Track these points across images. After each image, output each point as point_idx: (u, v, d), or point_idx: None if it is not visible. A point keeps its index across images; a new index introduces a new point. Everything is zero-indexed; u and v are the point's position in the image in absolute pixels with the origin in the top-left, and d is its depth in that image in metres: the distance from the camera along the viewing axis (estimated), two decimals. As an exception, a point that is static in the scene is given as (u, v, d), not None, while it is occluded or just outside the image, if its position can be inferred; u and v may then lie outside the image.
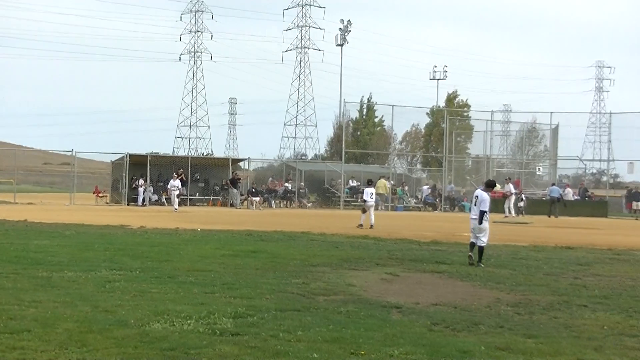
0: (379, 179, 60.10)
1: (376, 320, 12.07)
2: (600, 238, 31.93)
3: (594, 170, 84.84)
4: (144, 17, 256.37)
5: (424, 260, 21.12)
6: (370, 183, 38.20)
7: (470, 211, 21.49)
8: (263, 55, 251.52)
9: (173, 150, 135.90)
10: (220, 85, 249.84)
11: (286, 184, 59.53)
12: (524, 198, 54.54)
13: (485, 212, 20.80)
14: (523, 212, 52.56)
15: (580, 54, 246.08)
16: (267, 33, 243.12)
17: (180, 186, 48.72)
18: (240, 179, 57.52)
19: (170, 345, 9.84)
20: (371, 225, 33.60)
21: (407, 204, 60.75)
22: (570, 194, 60.88)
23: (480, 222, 20.60)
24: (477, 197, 20.86)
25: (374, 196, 36.32)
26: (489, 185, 21.70)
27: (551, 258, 22.99)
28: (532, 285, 17.06)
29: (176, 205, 46.86)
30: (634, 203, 61.97)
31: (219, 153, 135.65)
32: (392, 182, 60.56)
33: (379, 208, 56.85)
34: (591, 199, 62.82)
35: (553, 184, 58.61)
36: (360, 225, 33.73)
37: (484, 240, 20.66)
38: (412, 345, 10.29)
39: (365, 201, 35.61)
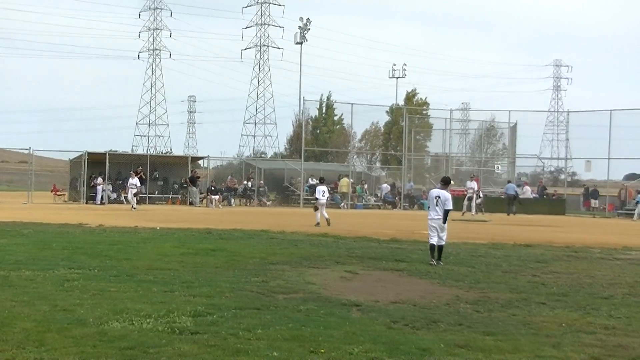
0: (341, 177, 60.28)
1: (336, 318, 12.09)
2: (558, 236, 32.17)
3: (552, 169, 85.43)
4: (102, 15, 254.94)
5: (384, 258, 21.17)
6: (322, 181, 38.26)
7: (429, 211, 21.27)
8: (222, 53, 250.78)
9: (132, 148, 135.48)
10: (179, 83, 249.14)
11: (244, 182, 59.42)
12: (481, 196, 54.83)
13: (450, 210, 20.87)
14: (483, 210, 52.88)
15: (539, 53, 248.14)
16: (227, 31, 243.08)
17: (138, 184, 48.48)
18: (199, 177, 57.34)
19: (129, 344, 9.81)
20: (327, 221, 33.70)
21: (366, 202, 60.82)
22: (528, 192, 61.25)
23: (445, 221, 20.64)
24: (439, 196, 20.70)
25: (326, 194, 36.39)
26: (446, 182, 21.74)
27: (510, 256, 23.13)
28: (491, 282, 17.16)
29: (134, 204, 46.68)
30: (592, 201, 62.46)
31: (178, 151, 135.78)
32: (351, 180, 60.59)
33: (342, 206, 57.09)
34: (552, 198, 63.20)
35: (509, 182, 58.94)
36: (318, 224, 33.76)
37: (444, 239, 20.72)
38: (371, 343, 10.32)
39: (317, 199, 35.69)
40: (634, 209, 54.99)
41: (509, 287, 16.49)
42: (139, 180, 49.80)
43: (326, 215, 34.50)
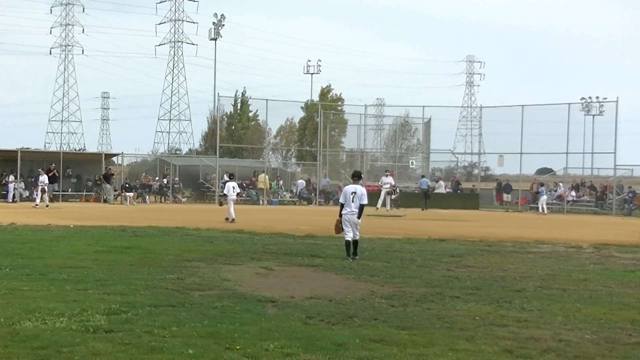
0: (257, 173, 60.19)
1: (251, 315, 12.09)
2: (472, 230, 32.56)
3: (466, 163, 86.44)
4: (13, 10, 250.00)
5: (299, 254, 21.22)
6: (232, 177, 38.27)
7: (344, 206, 21.16)
8: (136, 49, 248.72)
9: (45, 145, 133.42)
10: (92, 80, 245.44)
11: (162, 179, 59.06)
12: (397, 191, 55.25)
13: (366, 205, 20.92)
14: (397, 205, 53.29)
15: (452, 48, 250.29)
16: (140, 27, 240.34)
17: (47, 182, 47.76)
18: (113, 174, 56.73)
19: (41, 344, 9.68)
20: (231, 219, 33.74)
21: (282, 198, 60.83)
22: (442, 187, 61.88)
23: (359, 216, 20.67)
24: (355, 192, 20.67)
25: (236, 190, 36.40)
26: (358, 177, 21.73)
27: (424, 250, 23.35)
28: (405, 277, 17.30)
29: (46, 202, 46.05)
30: (505, 195, 63.29)
31: (91, 148, 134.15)
32: (267, 176, 60.55)
33: (261, 202, 57.09)
34: (472, 192, 63.88)
35: (423, 176, 59.43)
36: (233, 220, 33.71)
37: (358, 233, 20.77)
38: (287, 339, 10.33)
39: (225, 195, 35.69)
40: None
41: (423, 282, 16.65)
42: (53, 177, 49.09)
43: (232, 212, 34.51)
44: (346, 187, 21.93)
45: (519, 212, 56.45)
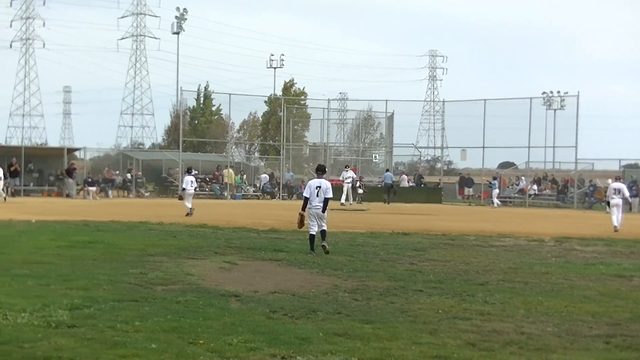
0: (220, 168, 60.06)
1: (215, 309, 12.08)
2: (435, 224, 32.69)
3: (429, 158, 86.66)
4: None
5: (263, 249, 21.21)
6: (189, 171, 38.22)
7: (309, 201, 21.11)
8: (98, 43, 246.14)
9: (5, 140, 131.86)
10: (54, 74, 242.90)
11: (126, 174, 58.84)
12: (361, 185, 55.46)
13: (330, 199, 20.94)
14: (361, 200, 53.51)
15: (415, 43, 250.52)
16: (102, 20, 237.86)
17: (1, 176, 47.28)
18: (76, 169, 56.32)
19: (3, 340, 9.63)
20: (188, 211, 33.80)
21: (245, 192, 60.72)
22: (405, 181, 62.08)
23: (324, 210, 20.66)
24: (320, 186, 20.65)
25: (194, 184, 36.37)
26: (322, 171, 21.71)
27: (388, 244, 23.42)
28: (369, 271, 17.36)
29: (3, 195, 45.59)
30: (466, 189, 63.58)
31: (53, 142, 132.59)
32: (230, 170, 60.41)
33: (224, 197, 57.01)
34: (437, 186, 64.18)
35: (387, 170, 59.59)
36: (190, 214, 33.74)
37: (325, 225, 20.76)
38: (250, 333, 10.34)
39: (184, 189, 35.65)
40: (505, 196, 56.56)
41: (387, 276, 16.71)
42: (14, 172, 48.68)
43: (189, 206, 34.50)
44: (311, 181, 21.92)
45: (481, 206, 56.69)
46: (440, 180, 66.15)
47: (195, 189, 37.59)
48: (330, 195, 20.76)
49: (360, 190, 54.67)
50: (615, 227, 30.51)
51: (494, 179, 57.47)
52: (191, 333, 10.27)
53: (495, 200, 54.73)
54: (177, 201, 38.27)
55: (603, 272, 18.21)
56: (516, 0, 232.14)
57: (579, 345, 10.45)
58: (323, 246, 20.25)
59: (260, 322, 11.22)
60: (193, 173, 38.25)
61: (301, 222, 20.87)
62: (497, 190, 55.68)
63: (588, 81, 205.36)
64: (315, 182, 21.04)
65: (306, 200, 20.84)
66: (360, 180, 56.98)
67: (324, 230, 20.62)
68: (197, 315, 11.52)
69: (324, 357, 9.38)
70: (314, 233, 20.58)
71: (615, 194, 31.54)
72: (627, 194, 33.20)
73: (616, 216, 31.15)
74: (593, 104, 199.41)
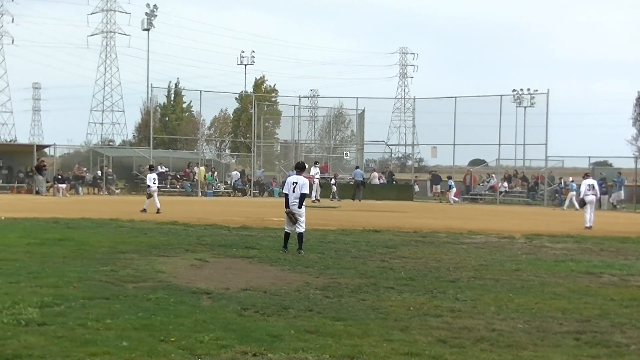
0: (191, 165, 59.95)
1: (186, 307, 12.05)
2: (406, 221, 32.73)
3: (400, 155, 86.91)
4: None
5: (234, 246, 21.18)
6: (151, 168, 38.23)
7: (285, 197, 21.04)
8: (68, 39, 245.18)
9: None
10: (23, 70, 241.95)
11: (85, 169, 58.71)
12: (335, 182, 55.61)
13: (306, 195, 20.92)
14: (337, 197, 53.77)
15: (386, 40, 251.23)
16: (72, 17, 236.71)
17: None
18: (46, 166, 56.08)
19: (-28, 338, 9.56)
20: (154, 209, 33.97)
21: (216, 189, 60.64)
22: (376, 178, 62.17)
23: (300, 206, 20.59)
24: (297, 182, 20.51)
25: (156, 181, 36.39)
26: (301, 168, 21.66)
27: (359, 241, 23.43)
28: (340, 268, 17.36)
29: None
30: (434, 186, 63.78)
31: (23, 139, 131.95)
32: (202, 167, 60.34)
33: (195, 194, 56.96)
34: (406, 183, 64.37)
35: (357, 167, 59.63)
36: (144, 210, 33.90)
37: (302, 226, 20.69)
38: (222, 331, 10.32)
39: (148, 186, 35.71)
40: (482, 193, 56.84)
41: (358, 273, 16.72)
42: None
43: (158, 204, 34.85)
44: (288, 177, 21.99)
45: (449, 204, 56.86)
46: (417, 177, 66.32)
47: (158, 187, 37.64)
48: (306, 191, 20.72)
49: (334, 188, 54.90)
50: (588, 226, 30.58)
51: (449, 177, 57.98)
52: (162, 331, 10.23)
53: (453, 198, 54.96)
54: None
55: (573, 269, 18.29)
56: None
57: (549, 342, 10.50)
58: (299, 251, 20.18)
59: (231, 320, 11.20)
60: (158, 170, 38.25)
61: (293, 219, 20.66)
62: (454, 189, 56.06)
63: (558, 79, 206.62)
64: (292, 178, 21.04)
65: (286, 197, 20.76)
66: (335, 178, 57.12)
67: (301, 233, 20.54)
68: (168, 312, 11.49)
69: (295, 354, 9.37)
70: (289, 231, 20.55)
71: (589, 190, 31.57)
72: (598, 190, 33.48)
73: (589, 214, 31.20)
74: (563, 101, 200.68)
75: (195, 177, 59.02)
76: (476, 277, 16.61)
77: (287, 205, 20.62)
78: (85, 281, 14.25)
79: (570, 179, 51.40)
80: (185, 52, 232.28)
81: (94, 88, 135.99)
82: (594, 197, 31.66)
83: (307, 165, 23.65)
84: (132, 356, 9.02)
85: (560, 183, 55.59)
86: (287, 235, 20.56)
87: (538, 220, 36.64)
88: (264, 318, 11.48)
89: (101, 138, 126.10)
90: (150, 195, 35.42)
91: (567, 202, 49.99)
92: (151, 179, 35.63)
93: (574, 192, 48.52)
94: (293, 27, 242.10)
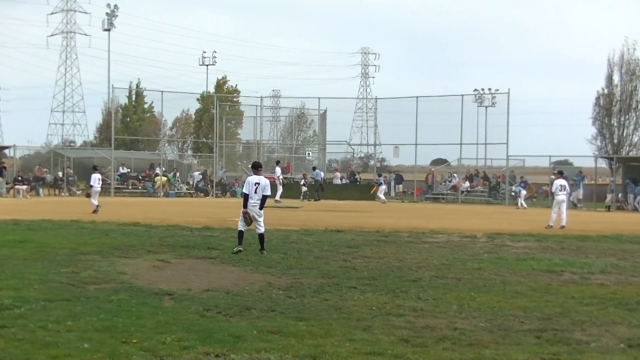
0: (154, 166, 59.80)
1: (148, 308, 12.02)
2: (368, 221, 32.79)
3: (362, 155, 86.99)
4: None
5: (196, 247, 21.13)
6: (95, 169, 38.19)
7: (244, 197, 20.95)
8: (28, 39, 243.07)
9: None
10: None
11: (45, 170, 58.32)
12: (305, 183, 55.64)
13: (268, 196, 20.85)
14: (307, 197, 53.88)
15: (347, 40, 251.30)
16: (31, 17, 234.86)
17: None
18: (5, 167, 55.62)
19: None
20: (97, 207, 34.33)
21: (178, 190, 60.43)
22: (338, 178, 62.23)
23: (261, 207, 20.51)
24: (259, 183, 20.38)
25: (100, 182, 36.36)
26: (258, 167, 21.57)
27: (321, 241, 23.44)
28: (303, 268, 17.38)
29: None
30: (396, 186, 63.86)
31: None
32: (163, 168, 60.11)
33: (159, 195, 56.79)
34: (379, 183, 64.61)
35: (314, 168, 59.58)
36: (96, 210, 34.02)
37: (261, 226, 20.62)
38: (184, 332, 10.31)
39: (91, 186, 35.69)
40: (442, 193, 57.02)
41: (320, 273, 16.74)
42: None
43: (96, 202, 34.96)
44: (249, 177, 21.73)
45: (414, 203, 57.08)
46: (385, 177, 66.52)
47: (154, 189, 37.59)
48: (268, 192, 20.62)
49: (304, 189, 54.94)
50: (550, 225, 30.72)
51: (379, 175, 58.73)
52: (124, 332, 10.20)
53: (381, 197, 55.19)
54: (108, 199, 38.16)
55: (534, 267, 18.42)
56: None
57: (511, 340, 10.57)
58: (262, 252, 20.13)
59: (193, 321, 11.18)
60: (102, 170, 38.23)
61: (249, 220, 20.59)
62: (384, 187, 56.60)
63: (519, 79, 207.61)
64: (254, 178, 20.77)
65: (246, 197, 20.61)
66: (304, 178, 57.10)
67: (262, 234, 20.48)
68: (130, 314, 11.45)
69: (258, 354, 9.38)
70: (244, 230, 20.50)
71: (560, 190, 31.68)
72: (569, 190, 33.84)
73: (557, 212, 31.30)
74: (524, 101, 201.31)
75: (156, 186, 58.66)
76: (438, 276, 16.68)
77: (245, 205, 20.53)
78: (46, 283, 14.17)
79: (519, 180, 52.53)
80: (146, 53, 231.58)
81: (54, 89, 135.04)
82: (564, 196, 31.77)
83: (262, 165, 23.53)
84: (93, 358, 9.00)
85: (520, 183, 55.94)
86: (241, 233, 20.47)
87: (499, 219, 36.86)
88: (226, 319, 11.47)
89: (62, 139, 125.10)
90: (89, 195, 35.51)
91: (520, 201, 50.76)
92: (95, 179, 35.69)
93: (524, 192, 50.65)
94: (255, 27, 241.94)
